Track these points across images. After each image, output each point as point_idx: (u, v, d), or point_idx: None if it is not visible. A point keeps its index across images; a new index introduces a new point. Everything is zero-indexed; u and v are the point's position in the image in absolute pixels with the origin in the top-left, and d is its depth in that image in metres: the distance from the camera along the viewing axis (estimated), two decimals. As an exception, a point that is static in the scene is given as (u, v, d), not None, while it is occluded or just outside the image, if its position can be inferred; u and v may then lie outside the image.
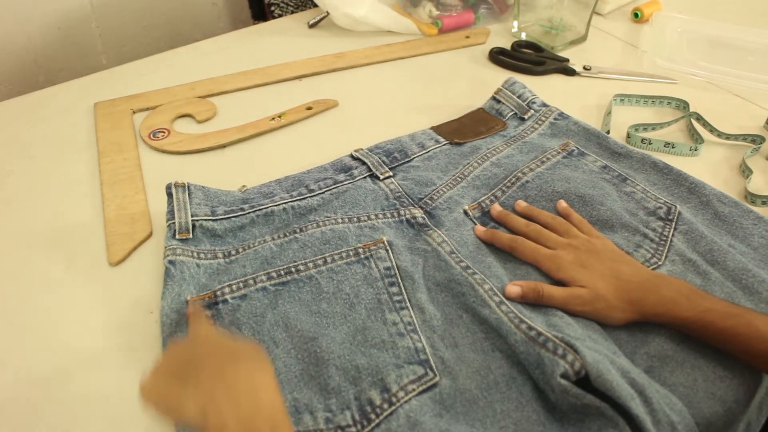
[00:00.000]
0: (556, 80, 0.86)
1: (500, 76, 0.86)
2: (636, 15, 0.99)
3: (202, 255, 0.55)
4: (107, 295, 0.55)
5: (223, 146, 0.72)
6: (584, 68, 0.86)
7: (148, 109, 0.77)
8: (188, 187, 0.59)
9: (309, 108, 0.78)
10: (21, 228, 0.62)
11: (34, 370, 0.49)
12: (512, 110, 0.73)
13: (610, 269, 0.51)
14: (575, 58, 0.88)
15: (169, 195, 0.58)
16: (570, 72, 0.86)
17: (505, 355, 0.47)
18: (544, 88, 0.83)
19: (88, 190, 0.66)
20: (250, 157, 0.71)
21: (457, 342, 0.49)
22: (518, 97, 0.73)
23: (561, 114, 0.72)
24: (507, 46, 0.91)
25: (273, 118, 0.76)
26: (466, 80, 0.85)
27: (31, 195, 0.65)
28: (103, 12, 0.97)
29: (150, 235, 0.60)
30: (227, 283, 0.52)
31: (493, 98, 0.75)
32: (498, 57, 0.88)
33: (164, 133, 0.73)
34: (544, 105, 0.73)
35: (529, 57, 0.89)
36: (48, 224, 0.62)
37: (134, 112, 0.77)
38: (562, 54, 0.90)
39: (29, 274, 0.57)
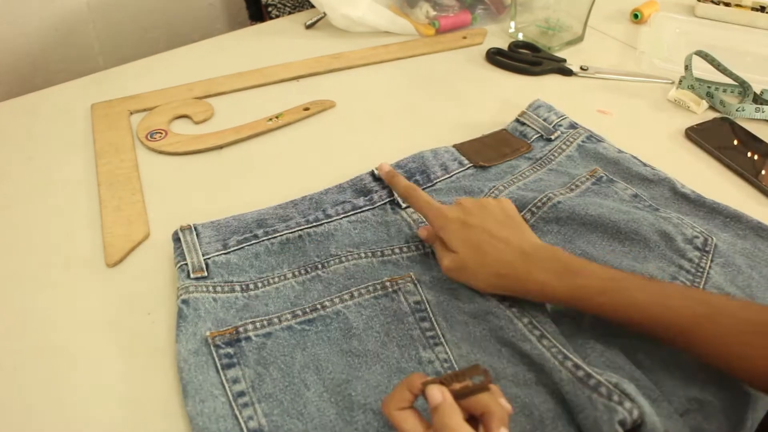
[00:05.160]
0: (553, 80, 0.86)
1: (498, 76, 0.86)
2: (636, 16, 0.99)
3: (218, 288, 0.52)
4: (104, 296, 0.55)
5: (221, 147, 0.72)
6: (581, 68, 0.86)
7: (145, 110, 0.77)
8: (195, 228, 0.57)
9: (306, 109, 0.78)
10: (18, 229, 0.61)
11: (31, 371, 0.49)
12: (537, 133, 0.71)
13: (488, 237, 0.50)
14: (572, 58, 0.88)
15: (176, 240, 0.56)
16: (567, 72, 0.86)
17: (549, 390, 0.45)
18: (541, 88, 0.83)
19: (85, 191, 0.66)
20: (247, 158, 0.71)
21: (498, 375, 0.47)
22: (544, 120, 0.72)
23: (590, 136, 0.70)
24: (504, 46, 0.91)
25: (270, 119, 0.76)
26: (464, 81, 0.85)
27: (28, 196, 0.65)
28: (100, 13, 0.97)
29: (147, 236, 0.60)
30: (250, 320, 0.50)
31: (517, 120, 0.73)
32: (495, 57, 0.88)
33: (161, 134, 0.73)
34: (573, 126, 0.71)
35: (526, 57, 0.89)
36: (45, 225, 0.62)
37: (131, 113, 0.77)
38: (559, 54, 0.90)
39: (26, 275, 0.57)
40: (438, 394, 0.38)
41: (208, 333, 0.49)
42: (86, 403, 0.47)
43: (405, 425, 0.39)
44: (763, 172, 0.68)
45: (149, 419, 0.46)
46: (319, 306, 0.51)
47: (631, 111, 0.79)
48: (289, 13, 1.06)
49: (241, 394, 0.46)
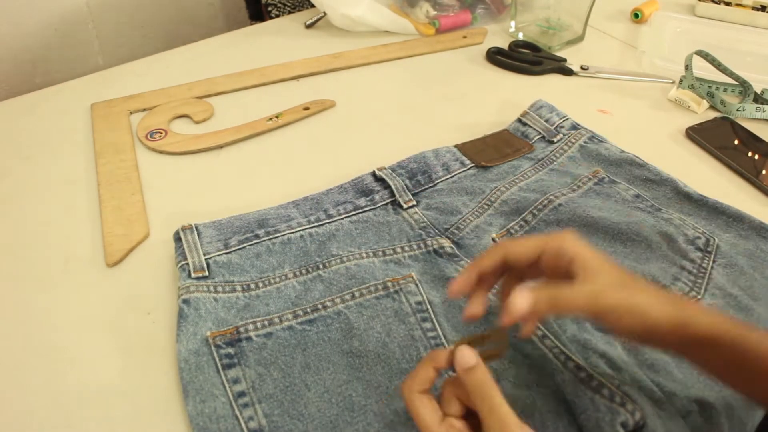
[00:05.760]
0: (554, 80, 0.86)
1: (497, 76, 0.86)
2: (636, 15, 0.99)
3: (219, 288, 0.52)
4: (104, 296, 0.55)
5: (221, 147, 0.72)
6: (581, 68, 0.86)
7: (145, 109, 0.77)
8: (196, 228, 0.57)
9: (306, 108, 0.78)
10: (18, 229, 0.61)
11: (31, 371, 0.49)
12: (539, 133, 0.70)
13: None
14: (572, 57, 0.88)
15: (177, 240, 0.56)
16: (567, 72, 0.86)
17: (550, 391, 0.45)
18: (542, 87, 0.83)
19: (84, 191, 0.66)
20: (247, 158, 0.71)
21: (499, 376, 0.46)
22: (546, 121, 0.71)
23: (592, 137, 0.70)
24: (504, 46, 0.91)
25: (270, 119, 0.75)
26: (464, 80, 0.85)
27: (27, 196, 0.65)
28: (99, 13, 0.97)
29: (147, 236, 0.60)
30: (251, 320, 0.50)
31: (519, 120, 0.73)
32: (495, 57, 0.88)
33: (161, 133, 0.73)
34: (574, 128, 0.71)
35: (526, 57, 0.89)
36: (45, 225, 0.62)
37: (131, 113, 0.77)
38: (560, 54, 0.90)
39: (26, 275, 0.57)
40: (471, 355, 0.38)
41: (208, 333, 0.49)
42: (86, 403, 0.47)
43: (422, 410, 0.38)
44: (764, 171, 0.68)
45: (149, 419, 0.46)
46: (320, 306, 0.51)
47: (632, 111, 0.79)
48: (289, 12, 1.06)
49: (242, 394, 0.45)
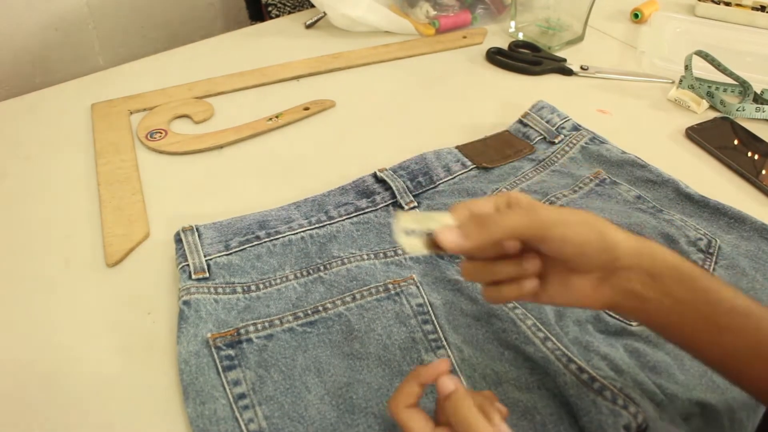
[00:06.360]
0: (553, 80, 0.86)
1: (497, 76, 0.86)
2: (636, 15, 0.99)
3: (219, 289, 0.52)
4: (105, 296, 0.55)
5: (221, 147, 0.72)
6: (581, 68, 0.86)
7: (145, 109, 0.77)
8: (197, 229, 0.57)
9: (306, 108, 0.77)
10: (18, 229, 0.61)
11: (32, 371, 0.49)
12: (540, 134, 0.70)
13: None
14: (572, 58, 0.88)
15: (178, 241, 0.56)
16: (567, 72, 0.86)
17: (551, 394, 0.45)
18: (542, 88, 0.83)
19: (85, 191, 0.66)
20: (247, 158, 0.71)
21: (500, 379, 0.47)
22: (547, 122, 0.71)
23: (593, 138, 0.69)
24: (504, 46, 0.91)
25: (270, 119, 0.75)
26: (464, 81, 0.85)
27: (27, 196, 0.65)
28: (100, 13, 0.97)
29: (147, 235, 0.60)
30: (251, 322, 0.50)
31: (520, 121, 0.72)
32: (495, 57, 0.88)
33: (161, 133, 0.73)
34: (576, 128, 0.71)
35: (526, 57, 0.89)
36: (45, 225, 0.62)
37: (131, 113, 0.77)
38: (559, 54, 0.90)
39: (27, 275, 0.57)
40: (450, 383, 0.38)
41: (209, 334, 0.49)
42: (86, 403, 0.47)
43: (412, 424, 0.38)
44: (764, 171, 0.68)
45: (149, 420, 0.46)
46: (320, 308, 0.51)
47: (631, 111, 0.79)
48: (289, 12, 1.06)
49: (242, 396, 0.45)
